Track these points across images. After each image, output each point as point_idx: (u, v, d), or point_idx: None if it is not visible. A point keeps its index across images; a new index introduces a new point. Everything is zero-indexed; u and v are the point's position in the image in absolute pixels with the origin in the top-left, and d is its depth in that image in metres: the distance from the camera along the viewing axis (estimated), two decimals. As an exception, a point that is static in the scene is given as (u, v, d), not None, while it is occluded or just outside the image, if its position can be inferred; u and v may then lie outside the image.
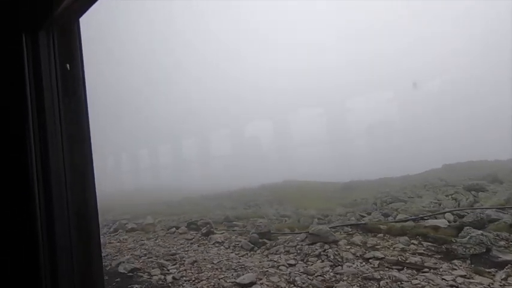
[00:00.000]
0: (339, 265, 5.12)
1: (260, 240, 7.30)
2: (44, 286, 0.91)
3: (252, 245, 7.10)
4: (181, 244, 8.55)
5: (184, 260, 6.71)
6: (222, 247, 7.55)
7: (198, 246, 7.99)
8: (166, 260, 6.92)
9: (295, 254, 6.09)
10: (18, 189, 0.91)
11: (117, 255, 8.06)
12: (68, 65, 1.00)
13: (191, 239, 8.82)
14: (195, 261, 6.49)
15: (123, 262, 6.94)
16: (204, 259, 6.63)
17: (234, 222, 11.49)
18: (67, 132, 0.99)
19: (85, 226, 1.03)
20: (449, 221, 6.20)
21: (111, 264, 7.14)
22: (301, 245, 6.42)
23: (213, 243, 7.90)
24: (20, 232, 0.90)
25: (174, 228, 10.19)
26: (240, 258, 6.52)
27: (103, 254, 8.32)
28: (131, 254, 7.94)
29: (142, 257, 7.58)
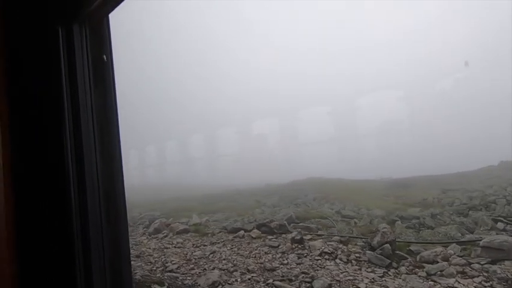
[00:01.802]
0: None
1: (391, 252, 5.32)
2: (78, 268, 0.90)
3: (389, 260, 5.12)
4: (268, 253, 6.55)
5: (308, 282, 4.71)
6: (338, 260, 5.57)
7: (298, 257, 5.99)
8: (279, 280, 4.91)
9: (484, 278, 4.13)
10: (55, 177, 0.91)
11: (193, 269, 6.03)
12: (104, 57, 1.01)
13: (277, 246, 6.82)
14: (330, 285, 4.50)
15: (221, 284, 4.91)
16: (338, 281, 4.66)
17: (301, 224, 9.47)
18: (98, 123, 0.99)
19: (114, 213, 1.00)
20: None
21: (198, 284, 5.12)
22: (478, 262, 4.47)
23: (319, 255, 5.90)
24: (55, 218, 0.91)
25: (243, 231, 8.16)
26: (386, 280, 4.55)
27: (173, 268, 6.27)
28: (214, 267, 5.92)
29: (234, 272, 5.57)
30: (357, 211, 11.75)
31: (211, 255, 6.87)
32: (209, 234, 8.78)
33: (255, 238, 7.74)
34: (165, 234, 9.44)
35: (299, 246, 6.50)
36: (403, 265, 5.02)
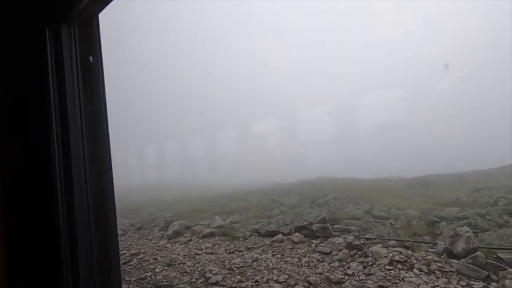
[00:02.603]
0: None
1: (485, 262, 4.43)
2: (65, 270, 0.88)
3: (485, 271, 4.23)
4: (322, 261, 5.62)
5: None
6: (416, 271, 4.66)
7: (364, 267, 5.06)
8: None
9: None
10: (42, 180, 0.90)
11: (242, 281, 5.07)
12: (91, 58, 0.98)
13: (330, 253, 5.89)
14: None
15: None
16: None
17: (337, 226, 8.54)
18: (87, 125, 0.97)
19: (103, 216, 0.98)
20: None
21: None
22: None
23: (389, 263, 4.98)
24: (42, 220, 0.90)
25: (281, 235, 7.20)
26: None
27: (217, 279, 5.30)
28: (268, 279, 4.96)
29: (296, 286, 4.62)
30: (387, 211, 10.88)
31: (255, 263, 5.90)
32: (240, 238, 7.81)
33: (297, 243, 6.80)
34: (188, 238, 8.44)
35: (359, 253, 5.57)
36: (504, 277, 4.13)
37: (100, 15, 0.99)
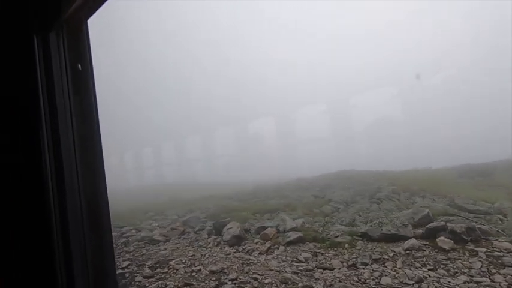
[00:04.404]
0: None
1: None
2: (59, 275, 0.84)
3: None
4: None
5: None
6: None
7: None
8: None
9: None
10: (33, 186, 0.87)
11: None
12: (79, 65, 0.95)
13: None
14: None
15: None
16: None
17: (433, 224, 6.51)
18: (78, 130, 0.94)
19: (97, 220, 0.95)
20: None
21: None
22: None
23: None
24: (35, 225, 0.85)
25: (414, 240, 5.13)
26: None
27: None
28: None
29: None
30: (474, 204, 8.96)
31: (424, 286, 3.79)
32: (345, 244, 5.69)
33: (449, 251, 4.73)
34: (263, 245, 6.27)
35: None
36: None
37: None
